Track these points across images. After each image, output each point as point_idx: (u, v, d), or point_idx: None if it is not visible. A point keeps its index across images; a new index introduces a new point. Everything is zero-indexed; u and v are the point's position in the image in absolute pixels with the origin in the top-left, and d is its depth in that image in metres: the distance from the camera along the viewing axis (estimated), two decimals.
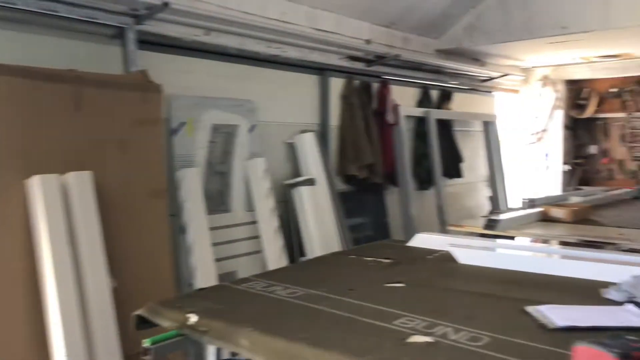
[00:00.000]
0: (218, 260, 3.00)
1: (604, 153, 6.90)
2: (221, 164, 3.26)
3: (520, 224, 3.38)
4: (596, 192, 4.98)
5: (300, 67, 3.97)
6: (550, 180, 6.73)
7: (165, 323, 1.63)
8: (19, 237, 2.21)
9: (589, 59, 6.07)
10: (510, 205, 5.44)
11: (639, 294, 1.65)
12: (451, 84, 5.44)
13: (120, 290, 2.36)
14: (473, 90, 5.82)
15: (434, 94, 5.26)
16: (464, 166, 5.41)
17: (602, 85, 6.78)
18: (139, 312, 1.69)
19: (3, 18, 2.45)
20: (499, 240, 2.90)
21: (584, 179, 6.98)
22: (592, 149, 6.99)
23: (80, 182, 2.34)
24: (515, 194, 5.89)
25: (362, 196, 4.34)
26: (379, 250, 2.50)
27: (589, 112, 6.86)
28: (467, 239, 2.68)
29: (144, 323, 1.68)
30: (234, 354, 1.65)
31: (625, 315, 1.51)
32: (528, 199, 3.96)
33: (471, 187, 5.78)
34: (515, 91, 6.56)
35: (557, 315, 1.48)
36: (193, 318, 1.57)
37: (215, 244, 3.00)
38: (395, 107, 4.61)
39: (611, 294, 1.70)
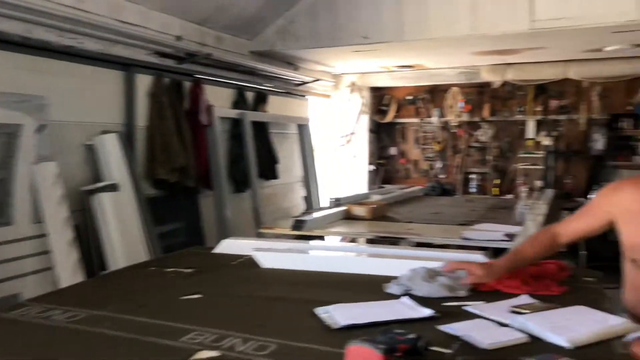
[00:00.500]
0: None
1: (402, 154, 7.66)
2: None
3: (327, 222, 3.54)
4: (394, 190, 5.47)
5: (102, 62, 3.64)
6: (358, 180, 7.25)
7: None
8: None
9: (389, 68, 6.66)
10: (323, 205, 5.71)
11: (415, 286, 1.81)
12: (266, 86, 5.51)
13: None
14: (288, 93, 5.98)
15: (250, 95, 5.28)
16: (280, 167, 5.53)
17: (400, 92, 7.51)
18: None
19: None
20: (302, 242, 3.00)
21: (387, 177, 7.67)
22: (393, 151, 7.71)
23: None
24: (328, 194, 6.21)
25: (175, 201, 4.16)
26: (183, 259, 2.40)
27: (389, 117, 7.55)
28: (273, 241, 2.71)
29: None
30: None
31: (401, 308, 1.64)
32: (334, 198, 4.19)
33: (287, 188, 5.94)
34: (327, 96, 6.92)
35: (342, 314, 1.55)
36: None
37: None
38: (209, 108, 4.51)
39: (392, 288, 1.83)
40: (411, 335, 1.28)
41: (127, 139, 3.75)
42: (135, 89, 3.89)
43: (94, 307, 1.68)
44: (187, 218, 4.30)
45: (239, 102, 5.12)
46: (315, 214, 3.72)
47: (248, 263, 2.29)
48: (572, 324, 1.39)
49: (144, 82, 3.98)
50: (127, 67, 3.85)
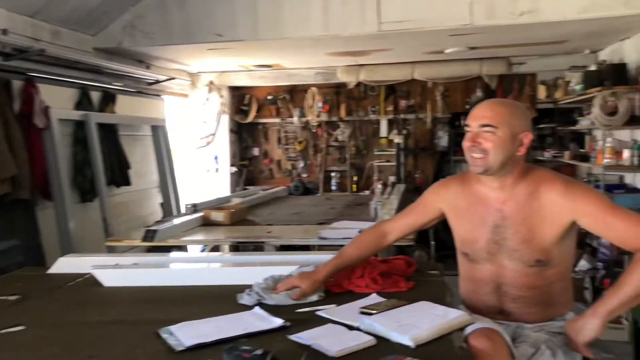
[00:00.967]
0: None
1: (265, 154, 7.64)
2: None
3: (182, 231, 3.36)
4: (256, 192, 5.41)
5: None
6: (220, 183, 7.07)
7: None
8: None
9: (247, 67, 6.58)
10: (183, 211, 5.46)
11: (266, 295, 1.75)
12: (115, 85, 5.12)
13: None
14: (140, 93, 5.61)
15: (96, 95, 4.84)
16: (133, 173, 5.16)
17: (261, 92, 7.47)
18: None
19: None
20: (154, 254, 2.80)
21: (250, 179, 7.58)
22: (255, 151, 7.65)
23: None
24: (189, 199, 5.96)
25: (6, 215, 3.66)
26: (7, 284, 2.09)
27: (250, 117, 7.47)
28: (118, 256, 2.49)
29: None
30: None
31: (252, 320, 1.57)
32: (191, 204, 4.00)
33: (143, 195, 5.58)
34: (185, 95, 6.65)
35: (187, 334, 1.44)
36: None
37: None
38: (46, 109, 4.04)
39: (244, 299, 1.75)
40: (258, 352, 1.21)
41: None
42: None
43: None
44: (23, 234, 3.81)
45: (83, 102, 4.67)
46: (169, 222, 3.50)
47: (87, 283, 2.06)
48: (416, 321, 1.42)
49: None
50: None
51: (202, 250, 5.00)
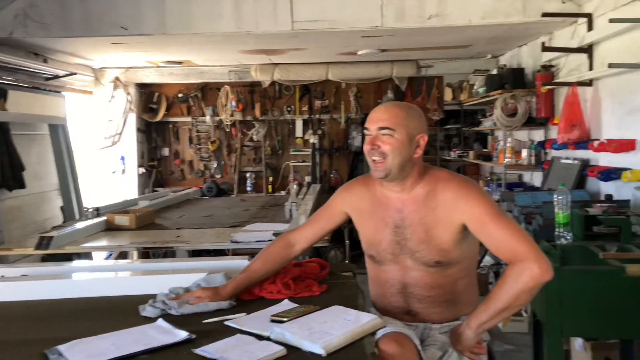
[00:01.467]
0: None
1: (176, 155, 7.34)
2: None
3: (82, 237, 3.12)
4: (166, 194, 5.18)
5: None
6: (128, 185, 6.71)
7: None
8: None
9: (156, 63, 6.29)
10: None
11: (173, 306, 1.64)
12: (6, 80, 4.69)
13: None
14: (36, 88, 5.18)
15: None
16: (28, 175, 4.75)
17: (171, 90, 7.16)
18: None
19: None
20: (51, 263, 2.57)
21: (160, 180, 7.26)
22: (165, 151, 7.32)
23: None
24: (93, 202, 5.59)
25: None
26: None
27: (159, 116, 7.14)
28: (6, 267, 2.25)
29: None
30: None
31: (154, 333, 1.45)
32: (93, 207, 3.73)
33: (40, 198, 5.17)
34: (88, 92, 6.24)
35: (78, 353, 1.30)
36: None
37: None
38: None
39: (146, 311, 1.63)
40: None
41: None
42: None
43: None
44: None
45: None
46: (68, 228, 3.24)
47: None
48: (328, 328, 1.38)
49: None
50: None
51: (107, 258, 4.71)
